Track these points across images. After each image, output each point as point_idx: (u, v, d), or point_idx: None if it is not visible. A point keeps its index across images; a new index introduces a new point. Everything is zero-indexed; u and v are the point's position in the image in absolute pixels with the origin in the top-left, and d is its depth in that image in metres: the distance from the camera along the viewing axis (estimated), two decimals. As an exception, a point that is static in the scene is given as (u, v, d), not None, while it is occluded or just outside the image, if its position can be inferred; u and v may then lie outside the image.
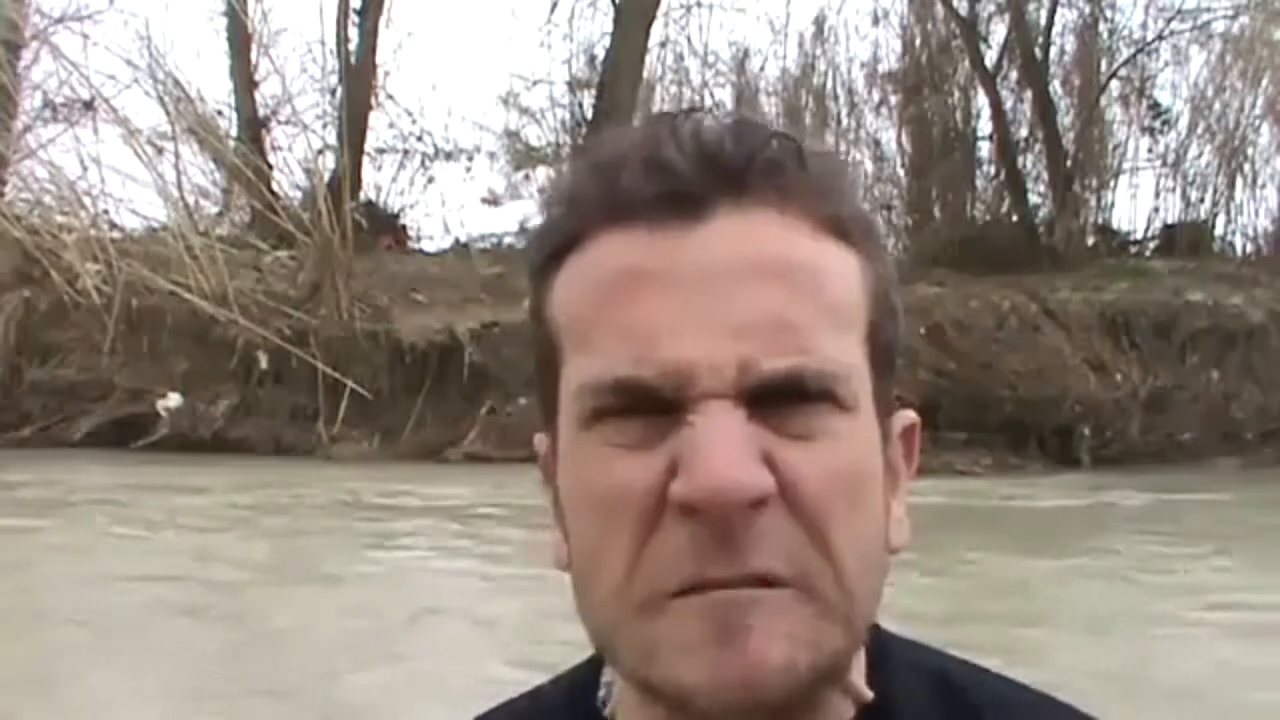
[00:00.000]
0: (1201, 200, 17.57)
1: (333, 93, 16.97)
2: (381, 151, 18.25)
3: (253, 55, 17.41)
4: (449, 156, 18.57)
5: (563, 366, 0.79)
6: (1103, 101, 17.80)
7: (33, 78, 15.50)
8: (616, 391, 0.75)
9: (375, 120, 17.78)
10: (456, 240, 18.11)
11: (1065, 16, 17.84)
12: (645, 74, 17.84)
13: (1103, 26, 17.86)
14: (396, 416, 13.10)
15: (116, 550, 8.10)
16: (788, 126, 0.80)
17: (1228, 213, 17.60)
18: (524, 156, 18.90)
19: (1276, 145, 17.71)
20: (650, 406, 0.74)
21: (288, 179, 16.59)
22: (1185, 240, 17.09)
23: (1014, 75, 17.82)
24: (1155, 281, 15.13)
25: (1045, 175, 17.64)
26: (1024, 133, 17.86)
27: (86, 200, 14.73)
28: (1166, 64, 17.86)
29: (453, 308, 13.87)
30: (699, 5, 18.36)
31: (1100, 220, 17.77)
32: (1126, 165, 17.92)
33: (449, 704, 5.04)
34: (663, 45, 18.21)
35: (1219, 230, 17.58)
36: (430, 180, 18.42)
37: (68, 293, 13.25)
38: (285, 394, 13.17)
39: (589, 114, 17.87)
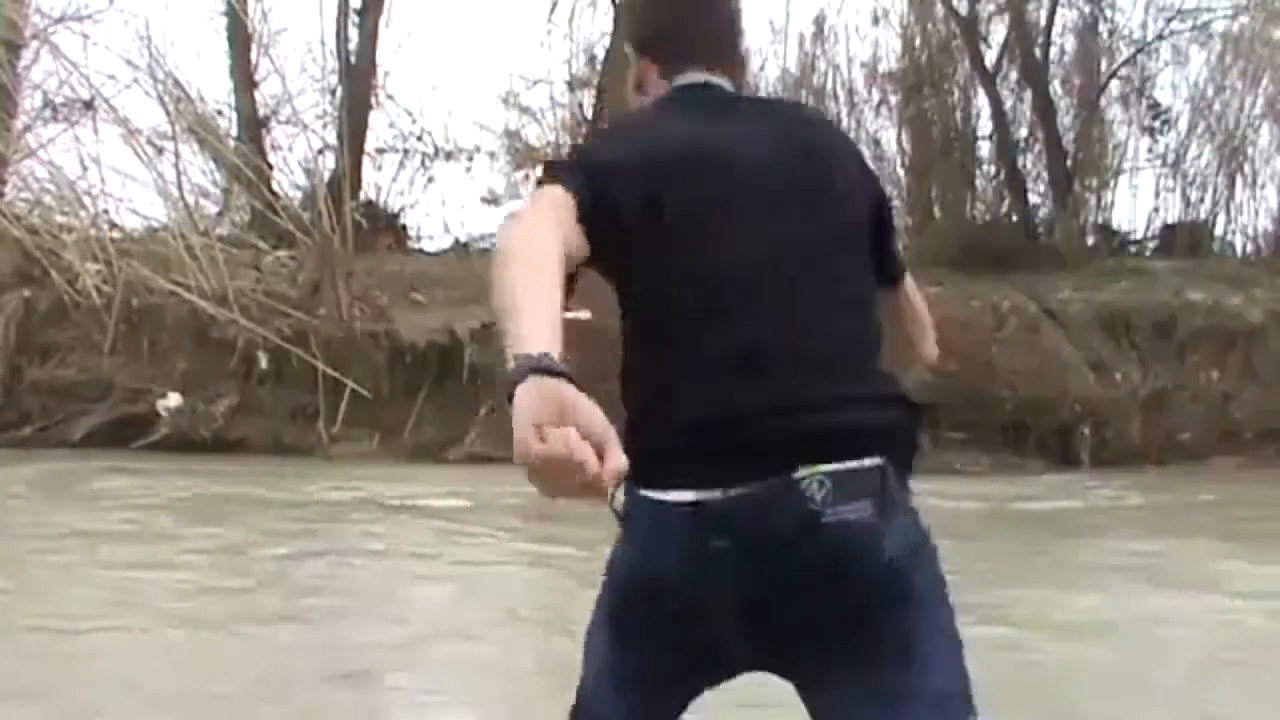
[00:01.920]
0: (1201, 200, 17.56)
1: (333, 93, 16.97)
2: (381, 151, 18.24)
3: (253, 55, 17.39)
4: (449, 156, 18.56)
5: None
6: (1103, 101, 17.79)
7: (33, 78, 15.47)
8: None
9: (375, 120, 17.77)
10: (456, 240, 18.12)
11: (1065, 16, 17.84)
12: (645, 74, 17.80)
13: (1103, 26, 17.86)
14: (396, 416, 13.10)
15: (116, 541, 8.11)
16: None
17: (1228, 213, 17.59)
18: (524, 156, 18.89)
19: (1276, 145, 17.69)
20: None
21: (288, 179, 16.58)
22: (1185, 240, 17.08)
23: (1014, 75, 17.81)
24: (1155, 281, 15.13)
25: (1045, 175, 17.63)
26: (1024, 133, 17.85)
27: (86, 200, 14.72)
28: (1166, 64, 17.86)
29: (453, 308, 13.87)
30: (699, 5, 18.32)
31: (1100, 220, 17.75)
32: (1126, 165, 17.89)
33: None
34: (663, 45, 18.17)
35: (1219, 230, 17.57)
36: (430, 180, 18.41)
37: (68, 293, 13.25)
38: (285, 394, 13.17)
39: (589, 114, 17.87)
